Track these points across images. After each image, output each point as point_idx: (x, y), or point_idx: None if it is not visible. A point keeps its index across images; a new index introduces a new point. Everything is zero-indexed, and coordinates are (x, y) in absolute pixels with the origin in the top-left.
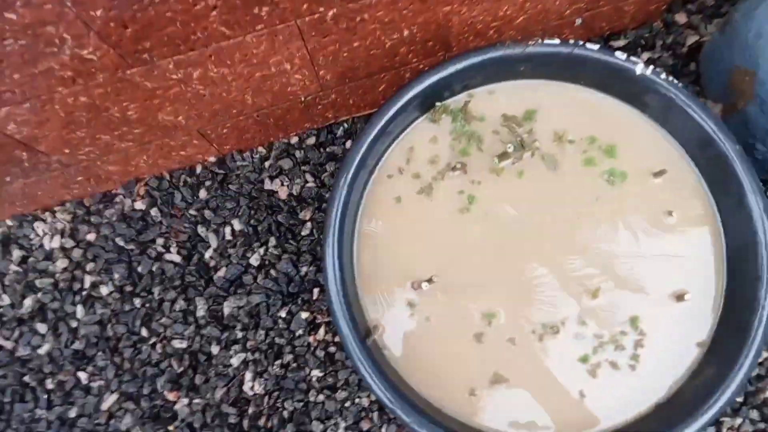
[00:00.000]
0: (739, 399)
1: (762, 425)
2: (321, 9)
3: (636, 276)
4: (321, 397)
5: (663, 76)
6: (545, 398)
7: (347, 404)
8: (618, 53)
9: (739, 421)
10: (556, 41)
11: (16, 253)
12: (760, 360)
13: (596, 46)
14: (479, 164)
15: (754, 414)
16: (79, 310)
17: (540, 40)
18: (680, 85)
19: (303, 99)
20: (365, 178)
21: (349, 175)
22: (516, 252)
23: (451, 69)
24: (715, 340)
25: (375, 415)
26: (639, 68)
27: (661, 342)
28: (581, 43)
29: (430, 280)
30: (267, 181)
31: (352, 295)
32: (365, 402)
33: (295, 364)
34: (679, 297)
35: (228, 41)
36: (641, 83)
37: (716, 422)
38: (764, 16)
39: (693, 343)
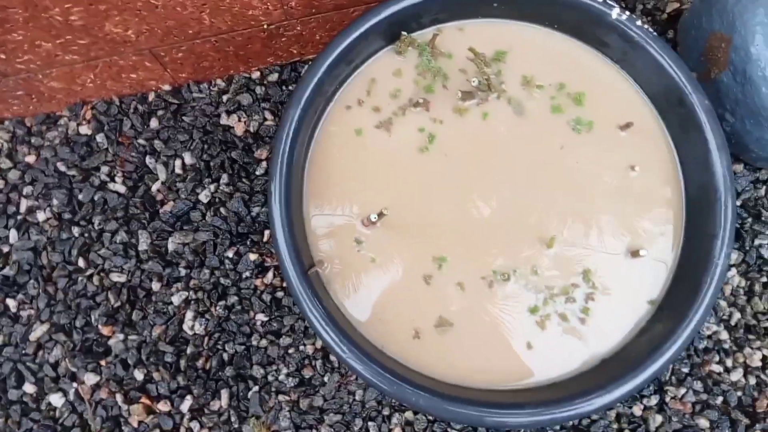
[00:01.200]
0: (685, 370)
1: (704, 396)
2: None
3: (592, 229)
4: (264, 342)
5: (638, 23)
6: (491, 346)
7: (291, 351)
8: None
9: (683, 390)
10: None
11: None
12: (709, 333)
13: None
14: (443, 102)
15: (698, 385)
16: (13, 235)
17: None
18: (654, 33)
19: (266, 26)
20: (320, 108)
21: (303, 100)
22: (473, 196)
23: None
24: (666, 298)
25: (318, 363)
26: (614, 12)
27: (612, 297)
28: None
29: (380, 215)
30: (224, 116)
31: (298, 228)
32: (309, 350)
33: (239, 307)
34: (635, 253)
35: None
36: (615, 29)
37: (661, 390)
38: None
39: (644, 300)
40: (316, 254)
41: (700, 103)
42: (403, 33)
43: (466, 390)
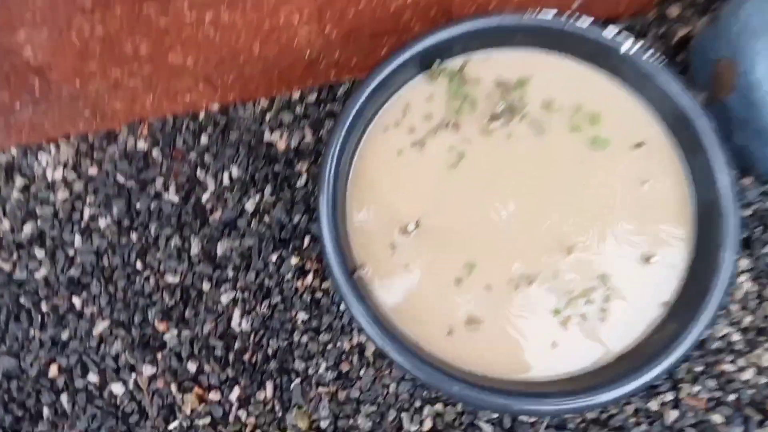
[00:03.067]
0: (699, 368)
1: (718, 393)
2: None
3: (608, 237)
4: (305, 339)
5: (646, 56)
6: (517, 343)
7: (329, 347)
8: (608, 30)
9: (697, 388)
10: (550, 15)
11: (19, 181)
12: (721, 335)
13: (587, 22)
14: (471, 124)
15: (711, 383)
16: (77, 240)
17: (535, 12)
18: (662, 62)
19: (307, 54)
20: (361, 130)
21: (347, 122)
22: (498, 207)
23: (451, 32)
24: (678, 300)
25: (355, 358)
26: (624, 47)
27: (628, 299)
28: (574, 18)
29: (417, 224)
30: (267, 133)
31: (343, 236)
32: (346, 346)
33: (282, 306)
34: (647, 259)
35: None
36: (627, 59)
37: (676, 387)
38: (749, 11)
39: (658, 303)
40: (358, 258)
41: (705, 127)
42: (436, 62)
43: (494, 380)
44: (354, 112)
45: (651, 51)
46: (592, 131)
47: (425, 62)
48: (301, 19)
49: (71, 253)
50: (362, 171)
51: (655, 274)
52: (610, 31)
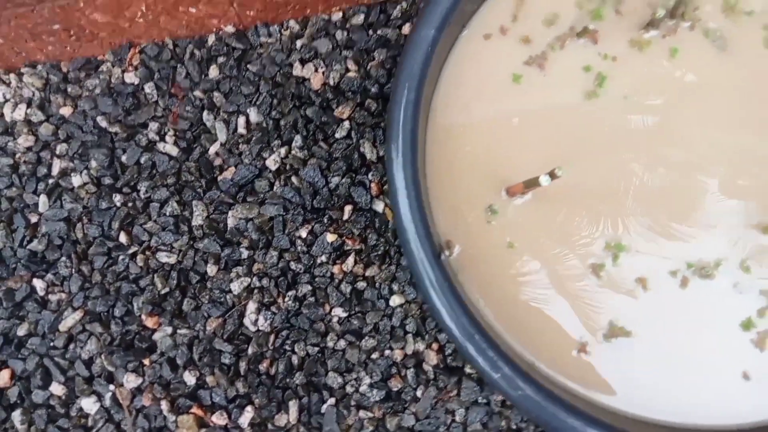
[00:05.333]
0: None
1: None
2: None
3: None
4: (342, 344)
5: None
6: (687, 371)
7: (374, 356)
8: None
9: None
10: None
11: None
12: None
13: None
14: (616, 33)
15: None
16: (42, 202)
17: None
18: None
19: None
20: (452, 38)
21: (435, 25)
22: (660, 157)
23: None
24: None
25: (410, 372)
26: None
27: None
28: None
29: (531, 184)
30: (297, 65)
31: (424, 200)
32: (398, 356)
33: (312, 299)
34: None
35: None
36: None
37: None
38: None
39: None
40: (443, 233)
41: None
42: None
43: (644, 424)
44: (445, 9)
45: None
46: None
47: None
48: None
49: (34, 219)
50: (453, 102)
51: None
52: None
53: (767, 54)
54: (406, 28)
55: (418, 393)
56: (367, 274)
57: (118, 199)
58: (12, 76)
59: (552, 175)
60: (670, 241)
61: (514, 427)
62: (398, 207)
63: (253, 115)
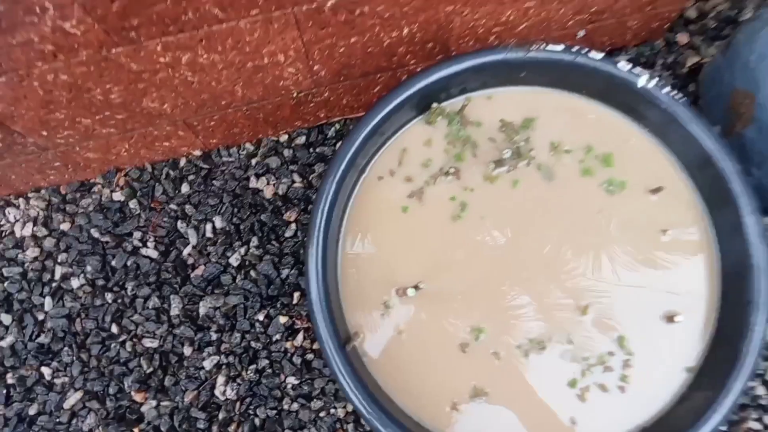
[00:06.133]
0: (723, 428)
1: None
2: None
3: (626, 295)
4: (295, 406)
5: (666, 90)
6: (531, 420)
7: (322, 414)
8: (621, 64)
9: None
10: (560, 47)
11: None
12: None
13: (600, 55)
14: (473, 170)
15: None
16: (47, 303)
17: (543, 45)
18: (683, 100)
19: (295, 95)
20: (354, 179)
21: (338, 173)
22: (508, 263)
23: (450, 69)
24: (704, 365)
25: (350, 427)
26: (642, 80)
27: (649, 364)
28: (585, 50)
29: (416, 287)
30: (253, 179)
31: (334, 299)
32: (341, 413)
33: (270, 370)
34: (670, 318)
35: (221, 25)
36: (643, 96)
37: None
38: (767, 40)
39: (682, 368)
40: (351, 326)
41: (732, 170)
42: (434, 105)
43: None
44: (345, 162)
45: (670, 86)
46: (605, 174)
47: (422, 104)
48: (287, 57)
49: (41, 317)
50: (356, 224)
51: (677, 336)
52: (625, 65)
53: (582, 181)
54: (340, 143)
55: None
56: (314, 347)
57: (109, 297)
58: (21, 200)
59: (416, 287)
60: (515, 324)
61: None
62: (311, 303)
63: (218, 222)
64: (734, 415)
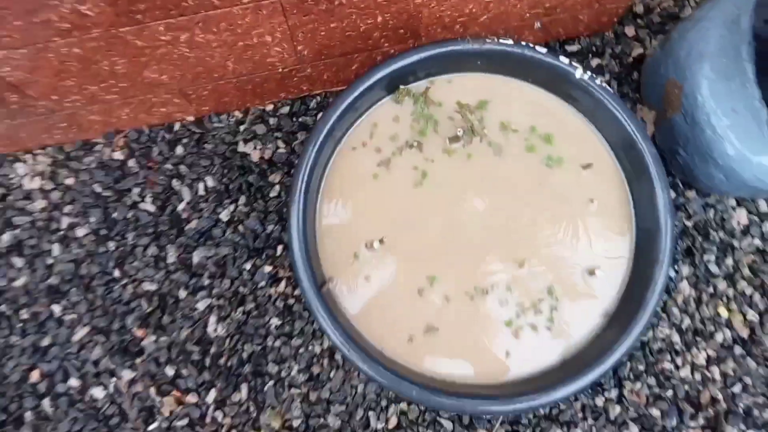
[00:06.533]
0: (641, 367)
1: (657, 389)
2: None
3: (557, 252)
4: (278, 343)
5: (597, 81)
6: (473, 353)
7: (301, 350)
8: (562, 57)
9: (639, 385)
10: (510, 42)
11: None
12: (663, 336)
13: (544, 50)
14: (434, 144)
15: (652, 380)
16: (56, 248)
17: (496, 39)
18: (611, 90)
19: (280, 70)
20: (331, 148)
21: (317, 143)
22: (459, 223)
23: (417, 57)
24: (616, 311)
25: (325, 361)
26: (578, 73)
27: (572, 309)
28: (531, 45)
29: (381, 241)
30: (241, 144)
31: (312, 251)
32: (317, 349)
33: (256, 312)
34: (591, 272)
35: (216, 10)
36: (578, 86)
37: (620, 384)
38: (695, 37)
39: (599, 313)
40: (327, 271)
41: (649, 151)
42: (402, 86)
43: (451, 384)
44: (324, 133)
45: (602, 78)
46: (546, 151)
47: (392, 85)
48: (274, 39)
49: (50, 261)
50: (332, 187)
51: (597, 287)
52: (564, 59)
53: (527, 156)
54: (320, 116)
55: (332, 375)
56: (295, 293)
57: (111, 245)
58: (28, 156)
59: (381, 241)
60: (464, 273)
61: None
62: (294, 259)
63: (210, 181)
64: (652, 357)
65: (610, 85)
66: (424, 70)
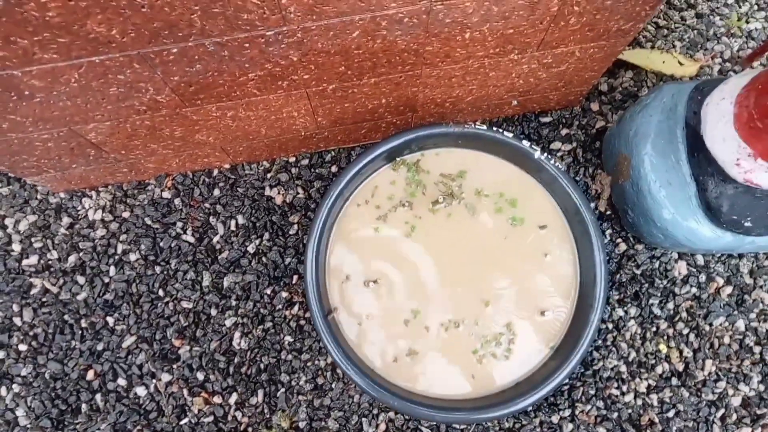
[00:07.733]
0: (592, 392)
1: (604, 411)
2: (324, 84)
3: (516, 295)
4: (290, 357)
5: (552, 161)
6: (445, 373)
7: (308, 364)
8: (524, 141)
9: (589, 406)
10: (484, 127)
11: (65, 220)
12: (612, 366)
13: (510, 135)
14: (422, 204)
15: (600, 403)
16: (112, 270)
17: (473, 125)
18: (563, 168)
19: (303, 134)
20: (341, 204)
21: (331, 200)
22: (440, 268)
23: (411, 136)
24: (560, 345)
25: (328, 374)
26: (536, 154)
27: (526, 342)
28: (501, 131)
29: (375, 281)
30: (267, 189)
31: (321, 284)
32: (322, 364)
33: (273, 330)
34: (542, 313)
35: (257, 97)
36: (538, 163)
37: (573, 405)
38: (640, 120)
39: (547, 346)
40: (332, 302)
41: (590, 218)
42: (398, 158)
43: (426, 398)
44: (336, 193)
45: (554, 159)
46: (511, 212)
47: (390, 157)
48: (299, 114)
49: (106, 280)
50: (340, 234)
51: (547, 325)
52: (527, 142)
53: (496, 216)
54: (334, 168)
55: (333, 386)
56: (305, 316)
57: (158, 269)
58: (93, 192)
59: (376, 281)
60: (442, 309)
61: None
62: (306, 284)
63: (240, 219)
64: (602, 383)
65: (575, 153)
66: (417, 145)
